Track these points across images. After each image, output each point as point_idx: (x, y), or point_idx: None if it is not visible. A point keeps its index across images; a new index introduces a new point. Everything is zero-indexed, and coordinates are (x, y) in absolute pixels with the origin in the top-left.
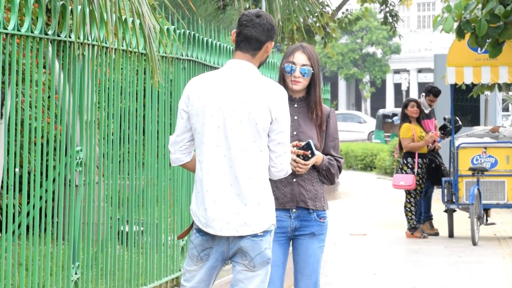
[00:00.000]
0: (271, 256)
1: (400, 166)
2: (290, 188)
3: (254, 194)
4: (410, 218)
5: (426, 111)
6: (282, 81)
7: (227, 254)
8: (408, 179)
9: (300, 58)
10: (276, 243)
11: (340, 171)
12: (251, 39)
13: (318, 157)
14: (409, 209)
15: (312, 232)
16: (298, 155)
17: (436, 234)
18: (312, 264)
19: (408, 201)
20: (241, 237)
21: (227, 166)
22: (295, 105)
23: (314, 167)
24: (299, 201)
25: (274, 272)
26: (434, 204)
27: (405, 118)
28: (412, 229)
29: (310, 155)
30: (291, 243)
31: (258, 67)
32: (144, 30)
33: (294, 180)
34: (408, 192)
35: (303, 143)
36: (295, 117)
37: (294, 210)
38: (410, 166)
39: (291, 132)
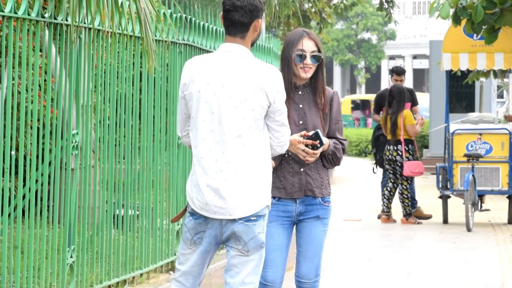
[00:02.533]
0: (265, 241)
1: (400, 154)
2: (298, 178)
3: (245, 179)
4: (407, 204)
5: None
6: (287, 68)
7: (220, 238)
8: (421, 166)
9: (309, 45)
10: (280, 227)
11: (344, 153)
12: (236, 23)
13: (325, 144)
14: (406, 196)
15: (317, 215)
16: (306, 145)
17: (429, 217)
18: (314, 247)
19: (405, 187)
20: (234, 221)
21: (219, 152)
22: (300, 92)
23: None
24: (307, 190)
25: (278, 255)
26: (429, 190)
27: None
28: (407, 215)
29: (318, 145)
30: (294, 228)
31: (252, 45)
32: (140, 15)
33: (302, 170)
34: (405, 179)
35: (311, 133)
36: (300, 105)
37: None
38: (412, 153)
39: (297, 121)
